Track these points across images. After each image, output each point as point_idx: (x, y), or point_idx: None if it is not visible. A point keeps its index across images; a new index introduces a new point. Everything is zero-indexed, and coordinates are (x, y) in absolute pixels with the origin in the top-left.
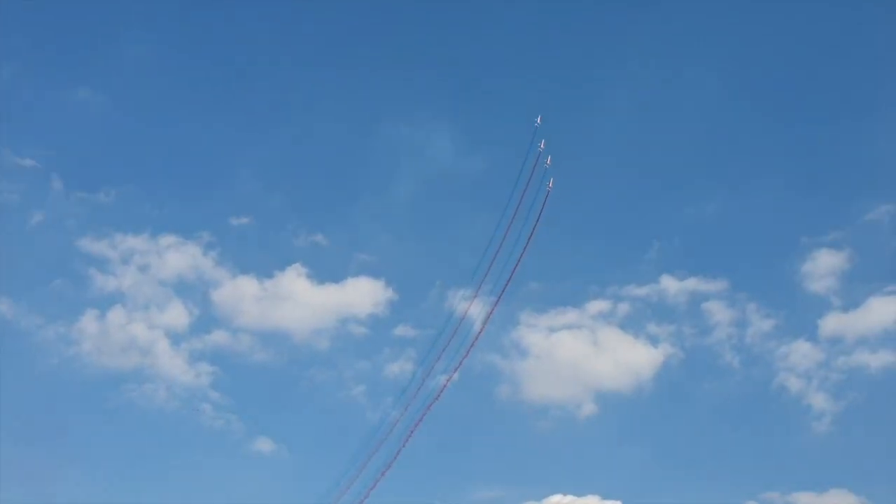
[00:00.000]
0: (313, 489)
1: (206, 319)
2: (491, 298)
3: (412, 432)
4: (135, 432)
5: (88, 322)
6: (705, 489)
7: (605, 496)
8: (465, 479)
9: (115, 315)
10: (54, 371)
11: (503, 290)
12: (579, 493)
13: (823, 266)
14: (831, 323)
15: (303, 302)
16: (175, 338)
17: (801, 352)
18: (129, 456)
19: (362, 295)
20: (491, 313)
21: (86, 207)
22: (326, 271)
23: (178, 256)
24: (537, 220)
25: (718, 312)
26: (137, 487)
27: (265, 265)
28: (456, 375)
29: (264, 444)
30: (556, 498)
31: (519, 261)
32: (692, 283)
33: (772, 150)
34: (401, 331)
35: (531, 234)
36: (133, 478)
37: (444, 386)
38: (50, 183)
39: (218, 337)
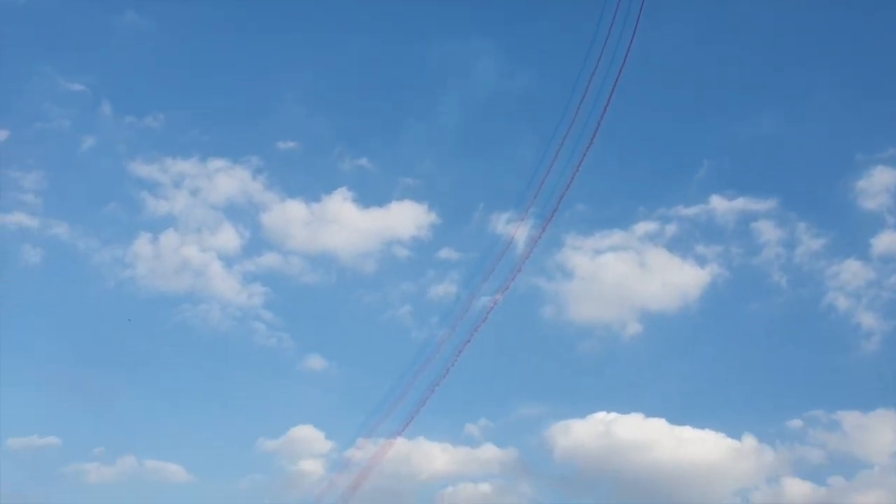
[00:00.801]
0: (364, 404)
1: (257, 242)
2: (536, 221)
3: (461, 351)
4: (190, 352)
5: (142, 245)
6: (749, 408)
7: (648, 414)
8: (511, 396)
9: (168, 238)
10: (111, 293)
11: (555, 210)
12: (623, 412)
13: (878, 183)
14: (885, 241)
15: (349, 225)
16: (227, 260)
17: (852, 270)
18: (184, 374)
19: (406, 218)
20: (541, 235)
21: (135, 132)
22: (371, 195)
23: (228, 180)
24: (623, 64)
25: (767, 232)
26: (193, 404)
27: (312, 189)
28: (501, 297)
29: (316, 362)
30: (600, 415)
31: (582, 159)
32: (741, 203)
33: (826, 63)
34: (444, 254)
35: (614, 86)
36: (189, 395)
37: (492, 307)
38: (100, 108)
39: (269, 259)
